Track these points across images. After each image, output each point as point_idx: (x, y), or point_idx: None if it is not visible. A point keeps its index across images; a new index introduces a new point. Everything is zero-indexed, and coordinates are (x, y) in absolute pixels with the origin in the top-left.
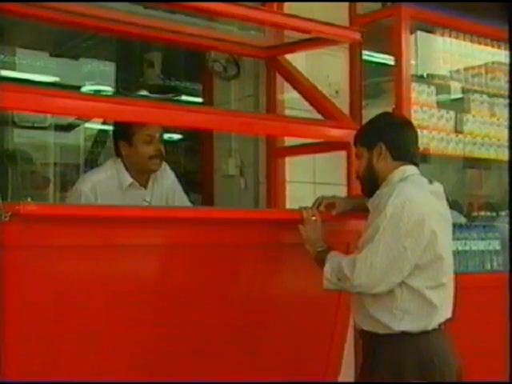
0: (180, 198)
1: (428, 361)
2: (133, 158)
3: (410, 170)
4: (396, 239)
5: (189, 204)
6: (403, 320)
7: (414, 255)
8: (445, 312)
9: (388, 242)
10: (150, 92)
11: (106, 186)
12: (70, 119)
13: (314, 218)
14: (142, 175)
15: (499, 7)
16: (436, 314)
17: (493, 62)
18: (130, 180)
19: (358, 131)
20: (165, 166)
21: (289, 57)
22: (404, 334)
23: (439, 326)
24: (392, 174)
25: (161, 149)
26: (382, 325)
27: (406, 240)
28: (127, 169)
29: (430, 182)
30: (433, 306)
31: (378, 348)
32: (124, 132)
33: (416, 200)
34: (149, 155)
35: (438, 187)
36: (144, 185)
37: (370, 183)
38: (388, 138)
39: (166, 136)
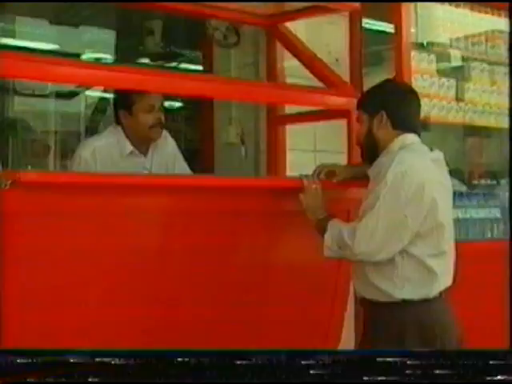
0: (181, 166)
1: (428, 329)
2: (133, 127)
3: (410, 138)
4: (396, 207)
5: (189, 172)
6: (404, 288)
7: (414, 223)
8: (445, 280)
9: (388, 210)
10: (151, 60)
11: (106, 152)
12: (71, 87)
13: (314, 186)
14: (142, 143)
15: None
16: (437, 282)
17: (493, 30)
18: (130, 148)
19: (361, 96)
20: (166, 134)
21: (289, 25)
22: (405, 301)
23: (440, 293)
24: (392, 142)
25: (161, 118)
26: (382, 293)
27: (407, 208)
28: (127, 137)
29: (431, 149)
30: (433, 273)
31: (379, 316)
32: (124, 101)
33: (416, 168)
34: (149, 124)
35: (438, 155)
36: (144, 153)
37: (369, 150)
38: (390, 106)
39: (167, 104)
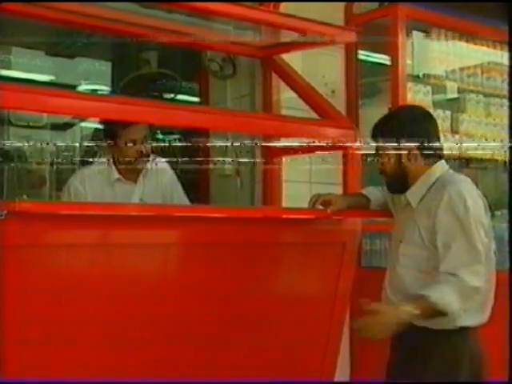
0: (179, 196)
1: (478, 355)
2: (118, 156)
3: (444, 163)
4: (476, 232)
5: (188, 202)
6: (463, 315)
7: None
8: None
9: (472, 236)
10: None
11: (94, 179)
12: (66, 118)
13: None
14: (129, 172)
15: (495, 7)
16: (489, 307)
17: (488, 62)
18: (117, 175)
19: (393, 132)
20: (163, 164)
21: (285, 56)
22: (462, 329)
23: None
24: (430, 170)
25: (143, 150)
26: (440, 319)
27: (487, 234)
28: (114, 164)
29: None
30: (488, 298)
31: (432, 344)
32: (109, 132)
33: (475, 196)
34: (132, 156)
35: None
36: (133, 180)
37: (400, 181)
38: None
39: (162, 136)
